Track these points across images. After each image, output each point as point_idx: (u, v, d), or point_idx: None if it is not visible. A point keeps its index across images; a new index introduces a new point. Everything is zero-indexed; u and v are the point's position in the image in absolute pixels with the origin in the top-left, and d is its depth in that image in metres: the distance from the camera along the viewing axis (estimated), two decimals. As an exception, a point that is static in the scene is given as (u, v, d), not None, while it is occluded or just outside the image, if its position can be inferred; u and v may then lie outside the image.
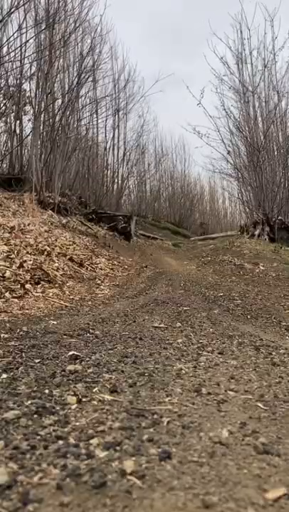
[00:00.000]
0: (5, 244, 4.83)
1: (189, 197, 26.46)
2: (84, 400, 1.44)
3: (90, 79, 12.89)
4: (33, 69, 10.84)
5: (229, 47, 13.59)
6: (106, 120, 15.71)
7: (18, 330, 2.54)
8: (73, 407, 1.38)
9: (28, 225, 6.42)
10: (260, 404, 1.47)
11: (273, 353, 2.21)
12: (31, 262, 4.51)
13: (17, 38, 10.12)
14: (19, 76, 10.68)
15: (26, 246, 5.09)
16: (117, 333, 2.57)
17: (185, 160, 27.10)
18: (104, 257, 7.13)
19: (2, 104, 10.57)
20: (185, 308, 3.59)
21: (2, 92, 10.24)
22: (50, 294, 4.07)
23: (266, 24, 19.57)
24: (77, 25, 11.41)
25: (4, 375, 1.65)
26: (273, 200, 12.53)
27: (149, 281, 5.72)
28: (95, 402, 1.43)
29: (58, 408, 1.35)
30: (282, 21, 18.29)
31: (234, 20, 17.01)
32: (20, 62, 10.54)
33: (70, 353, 2.00)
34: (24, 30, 10.19)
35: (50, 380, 1.62)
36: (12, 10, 9.44)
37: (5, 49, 9.82)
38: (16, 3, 9.26)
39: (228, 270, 7.46)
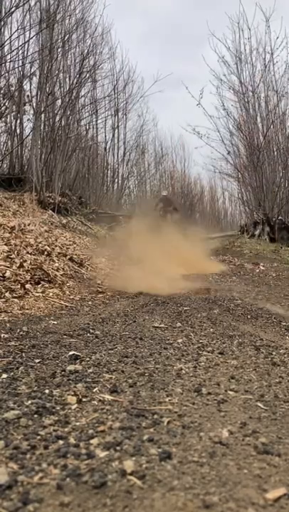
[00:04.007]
0: (5, 244, 4.83)
1: (189, 197, 26.46)
2: (84, 400, 1.44)
3: (90, 79, 12.91)
4: (34, 69, 10.87)
5: (228, 47, 13.56)
6: (106, 120, 15.73)
7: (18, 330, 2.54)
8: (73, 407, 1.38)
9: (28, 225, 6.42)
10: (260, 404, 1.47)
11: (273, 353, 2.21)
12: (31, 262, 4.51)
13: (18, 37, 10.13)
14: (20, 76, 10.70)
15: (26, 246, 5.09)
16: (117, 333, 2.56)
17: (185, 160, 27.07)
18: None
19: (2, 104, 10.57)
20: (185, 308, 3.59)
21: (2, 91, 10.24)
22: (50, 294, 4.07)
23: (265, 25, 19.48)
24: (77, 25, 11.43)
25: (4, 375, 1.65)
26: (273, 200, 12.53)
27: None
28: (95, 402, 1.43)
29: (58, 408, 1.35)
30: (283, 21, 18.19)
31: (232, 21, 16.97)
32: (22, 62, 10.55)
33: (70, 353, 2.00)
34: (25, 30, 10.21)
35: (50, 380, 1.62)
36: (12, 10, 9.45)
37: (6, 48, 9.84)
38: (16, 3, 9.28)
39: (228, 270, 7.45)
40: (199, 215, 27.82)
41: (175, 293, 4.69)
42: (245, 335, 2.65)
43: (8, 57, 9.81)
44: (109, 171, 16.67)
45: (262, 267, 7.78)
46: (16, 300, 3.60)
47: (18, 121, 11.17)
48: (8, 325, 2.74)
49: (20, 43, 10.15)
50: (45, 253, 5.25)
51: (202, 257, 7.88)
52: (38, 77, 10.61)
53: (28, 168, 10.44)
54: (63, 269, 5.13)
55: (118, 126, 16.42)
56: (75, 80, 11.31)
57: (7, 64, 9.84)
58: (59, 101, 11.16)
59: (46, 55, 10.32)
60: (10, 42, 9.79)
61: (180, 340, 2.41)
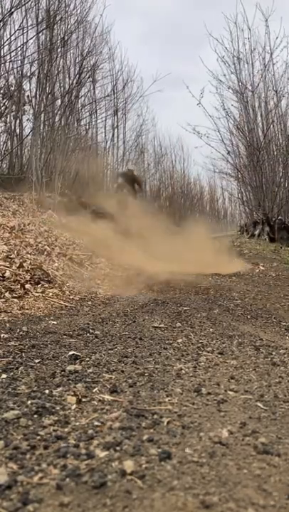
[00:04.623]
0: (5, 244, 4.83)
1: (189, 197, 26.46)
2: (84, 400, 1.45)
3: (90, 79, 12.92)
4: (33, 69, 10.87)
5: (225, 47, 13.53)
6: (105, 120, 15.73)
7: (18, 330, 2.54)
8: (73, 407, 1.38)
9: (28, 225, 6.42)
10: (260, 404, 1.47)
11: (273, 353, 2.21)
12: (31, 262, 4.51)
13: (18, 37, 10.13)
14: (19, 76, 10.70)
15: (26, 246, 5.09)
16: (117, 333, 2.57)
17: (184, 160, 27.07)
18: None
19: (2, 104, 10.58)
20: (185, 308, 3.59)
21: (2, 91, 10.25)
22: (50, 294, 4.07)
23: (265, 24, 19.44)
24: (77, 25, 11.44)
25: (4, 375, 1.65)
26: (273, 200, 12.54)
27: (149, 280, 5.72)
28: (95, 402, 1.43)
29: (58, 408, 1.35)
30: (283, 21, 18.09)
31: (229, 20, 16.91)
32: (22, 62, 10.56)
33: (70, 353, 2.00)
34: (25, 30, 10.22)
35: (50, 380, 1.62)
36: (12, 10, 9.45)
37: (5, 48, 9.85)
38: (16, 3, 9.28)
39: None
40: (199, 215, 27.80)
41: (175, 292, 4.69)
42: (244, 335, 2.65)
43: (8, 57, 9.82)
44: (108, 171, 16.67)
45: (262, 267, 7.78)
46: (15, 300, 3.60)
47: (18, 121, 11.18)
48: (7, 325, 2.74)
49: (20, 43, 10.16)
50: (45, 253, 5.26)
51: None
52: (37, 77, 10.63)
53: (28, 168, 10.44)
54: (63, 269, 5.13)
55: (118, 125, 16.42)
56: (75, 80, 11.31)
57: (7, 64, 9.85)
58: (59, 101, 11.17)
59: (46, 55, 10.32)
60: (9, 42, 9.80)
61: (180, 341, 2.41)
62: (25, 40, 10.28)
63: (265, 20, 12.64)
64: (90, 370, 1.77)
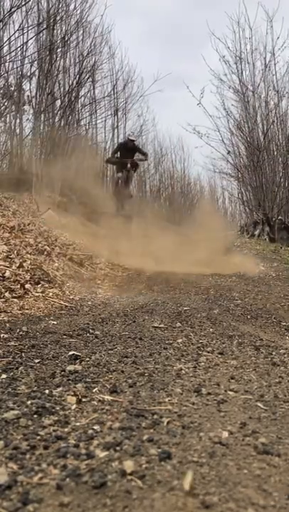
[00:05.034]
0: (5, 244, 4.83)
1: (189, 197, 26.44)
2: (84, 400, 1.44)
3: (90, 79, 12.93)
4: (33, 69, 10.88)
5: (227, 47, 13.54)
6: (105, 120, 15.72)
7: (18, 330, 2.54)
8: (73, 407, 1.38)
9: (28, 225, 6.42)
10: (260, 405, 1.47)
11: (273, 353, 2.21)
12: (31, 262, 4.51)
13: (18, 37, 10.14)
14: (19, 76, 10.71)
15: (26, 246, 5.09)
16: (117, 333, 2.56)
17: (184, 160, 27.01)
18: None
19: (2, 104, 10.58)
20: (185, 308, 3.58)
21: (2, 91, 10.25)
22: (50, 294, 4.06)
23: (267, 24, 19.40)
24: (77, 25, 11.44)
25: (4, 375, 1.65)
26: (273, 200, 12.56)
27: (149, 280, 5.72)
28: (95, 402, 1.43)
29: (58, 408, 1.35)
30: (285, 21, 18.01)
31: (232, 20, 16.92)
32: (21, 62, 10.57)
33: (70, 353, 2.00)
34: (25, 30, 10.22)
35: (50, 380, 1.62)
36: (13, 10, 9.46)
37: (5, 48, 9.86)
38: (17, 3, 9.29)
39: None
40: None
41: (175, 292, 4.69)
42: (245, 335, 2.65)
43: (8, 57, 9.83)
44: (109, 171, 16.66)
45: (262, 267, 7.78)
46: (15, 300, 3.59)
47: (18, 121, 11.18)
48: (7, 325, 2.73)
49: (20, 44, 10.17)
50: (45, 253, 5.25)
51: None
52: (37, 77, 10.64)
53: (28, 168, 10.45)
54: (63, 269, 5.13)
55: (118, 126, 16.41)
56: (75, 81, 11.32)
57: (7, 64, 9.85)
58: (58, 101, 11.18)
59: (46, 55, 10.33)
60: (9, 42, 9.81)
61: (180, 341, 2.41)
62: (25, 40, 10.29)
63: (269, 20, 12.65)
64: (90, 370, 1.77)
